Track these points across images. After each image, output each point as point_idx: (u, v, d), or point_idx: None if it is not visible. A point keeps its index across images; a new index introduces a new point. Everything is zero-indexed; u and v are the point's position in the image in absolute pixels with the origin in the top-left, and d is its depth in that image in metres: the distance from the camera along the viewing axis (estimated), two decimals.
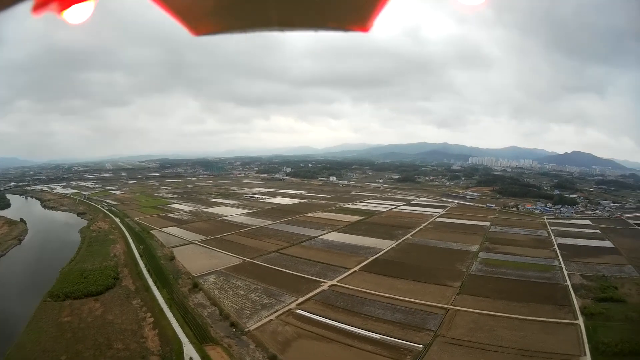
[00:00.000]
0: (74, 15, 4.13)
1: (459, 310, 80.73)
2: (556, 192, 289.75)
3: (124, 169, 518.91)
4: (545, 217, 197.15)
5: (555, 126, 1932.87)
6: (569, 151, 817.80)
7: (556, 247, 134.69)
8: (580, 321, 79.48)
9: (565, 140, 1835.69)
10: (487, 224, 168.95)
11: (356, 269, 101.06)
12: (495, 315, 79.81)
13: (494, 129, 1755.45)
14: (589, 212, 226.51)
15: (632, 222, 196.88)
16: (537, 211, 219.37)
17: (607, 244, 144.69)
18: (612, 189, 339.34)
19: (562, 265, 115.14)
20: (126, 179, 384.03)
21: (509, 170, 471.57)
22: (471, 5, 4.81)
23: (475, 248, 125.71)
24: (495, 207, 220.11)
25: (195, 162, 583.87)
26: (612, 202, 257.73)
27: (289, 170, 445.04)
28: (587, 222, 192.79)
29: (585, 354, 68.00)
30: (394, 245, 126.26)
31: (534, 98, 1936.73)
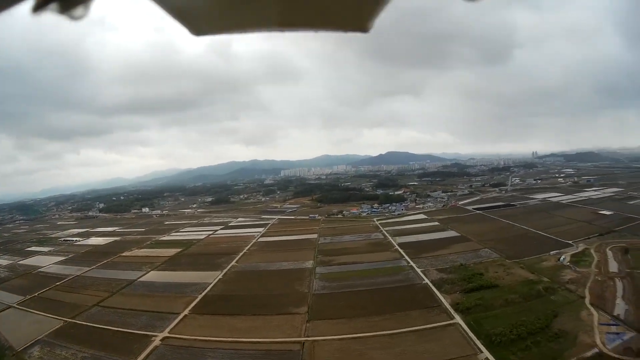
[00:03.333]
0: (74, 15, 4.88)
1: (316, 340, 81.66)
2: (379, 191, 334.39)
3: None
4: (374, 218, 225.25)
5: (368, 131, 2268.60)
6: (383, 152, 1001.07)
7: (397, 247, 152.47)
8: (458, 319, 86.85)
9: (378, 143, 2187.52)
10: (315, 235, 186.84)
11: (186, 312, 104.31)
12: (360, 338, 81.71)
13: (305, 140, 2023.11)
14: (420, 205, 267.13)
15: (469, 207, 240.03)
16: (364, 214, 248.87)
17: (451, 233, 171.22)
18: (438, 179, 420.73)
19: (412, 263, 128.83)
20: None
21: (324, 177, 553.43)
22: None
23: (309, 264, 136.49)
24: (319, 217, 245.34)
25: (12, 206, 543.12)
26: (443, 192, 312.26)
27: (101, 205, 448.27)
28: (422, 215, 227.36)
29: (480, 351, 73.76)
30: (220, 276, 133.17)
31: (345, 106, 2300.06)
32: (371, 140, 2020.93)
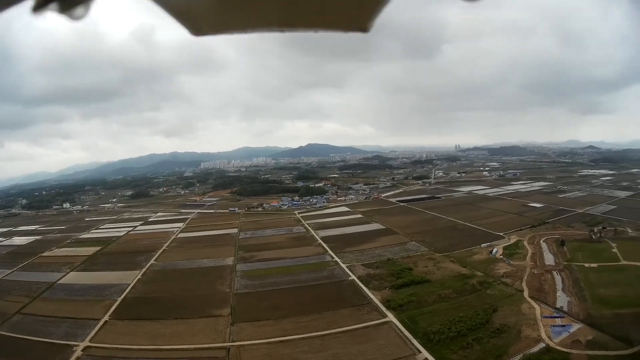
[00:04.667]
0: (74, 15, 5.06)
1: (242, 345, 79.80)
2: (300, 184, 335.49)
3: None
4: (296, 211, 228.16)
5: (289, 123, 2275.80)
6: (303, 144, 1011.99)
7: (320, 241, 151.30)
8: (391, 317, 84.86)
9: (300, 136, 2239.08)
10: (235, 230, 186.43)
11: (107, 318, 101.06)
12: (288, 341, 79.43)
13: (225, 132, 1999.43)
14: (342, 198, 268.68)
15: (393, 200, 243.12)
16: (285, 207, 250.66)
17: (376, 226, 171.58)
18: (359, 171, 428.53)
19: (336, 258, 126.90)
20: None
21: (244, 170, 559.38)
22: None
23: (230, 261, 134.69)
24: (239, 210, 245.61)
25: None
26: (365, 185, 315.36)
27: (24, 202, 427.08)
28: (345, 208, 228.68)
29: (419, 351, 71.73)
30: (139, 276, 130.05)
31: (266, 97, 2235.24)
32: (292, 132, 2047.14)
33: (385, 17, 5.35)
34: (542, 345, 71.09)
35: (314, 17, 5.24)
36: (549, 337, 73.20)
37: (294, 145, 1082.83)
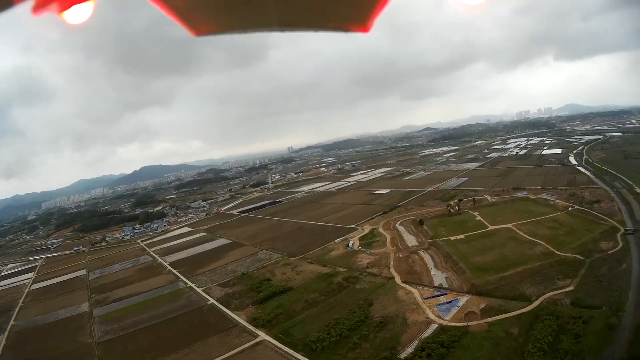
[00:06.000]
0: (74, 15, 5.12)
1: None
2: (139, 210, 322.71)
3: None
4: (139, 240, 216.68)
5: (121, 148, 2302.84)
6: (137, 169, 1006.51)
7: (169, 267, 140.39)
8: (263, 335, 76.72)
9: (133, 160, 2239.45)
10: (84, 272, 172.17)
11: None
12: None
13: (60, 166, 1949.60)
14: (183, 218, 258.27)
15: (234, 211, 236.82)
16: (127, 237, 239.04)
17: (222, 241, 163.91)
18: (195, 188, 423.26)
19: (190, 283, 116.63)
20: None
21: (83, 204, 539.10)
22: (473, 5, 6.00)
23: (86, 307, 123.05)
24: (84, 249, 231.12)
25: None
26: (203, 201, 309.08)
27: None
28: (187, 228, 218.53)
29: None
30: (4, 341, 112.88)
31: (96, 123, 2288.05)
32: (125, 157, 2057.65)
33: None
34: (435, 326, 66.68)
35: (314, 17, 5.26)
36: (439, 317, 69.23)
37: (128, 170, 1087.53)
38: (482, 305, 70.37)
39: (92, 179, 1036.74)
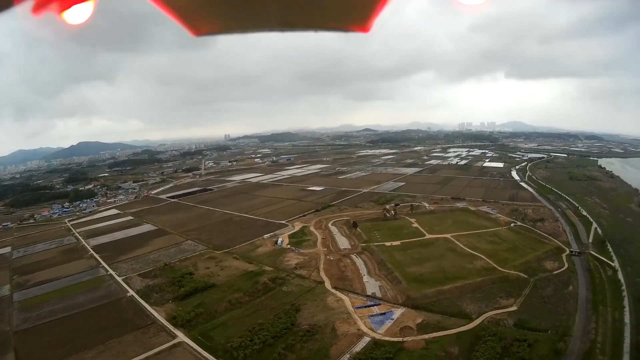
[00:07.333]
0: (74, 15, 5.09)
1: None
2: (70, 187, 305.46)
3: None
4: (66, 220, 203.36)
5: (60, 121, 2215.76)
6: (75, 143, 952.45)
7: (92, 251, 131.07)
8: (182, 336, 70.91)
9: (71, 134, 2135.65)
10: (8, 249, 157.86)
11: None
12: None
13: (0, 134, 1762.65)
14: (112, 199, 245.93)
15: (163, 196, 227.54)
16: (55, 215, 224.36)
17: (148, 227, 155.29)
18: (128, 168, 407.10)
19: (111, 271, 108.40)
20: None
21: (18, 176, 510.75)
22: (473, 5, 5.81)
23: (7, 290, 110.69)
24: (12, 225, 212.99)
25: None
26: (134, 182, 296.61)
27: None
28: (115, 210, 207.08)
29: None
30: None
31: (38, 94, 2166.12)
32: (64, 131, 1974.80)
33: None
34: (367, 339, 63.09)
35: (314, 17, 5.23)
36: (372, 329, 65.66)
37: (66, 144, 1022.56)
38: (419, 320, 67.45)
39: (31, 150, 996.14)
